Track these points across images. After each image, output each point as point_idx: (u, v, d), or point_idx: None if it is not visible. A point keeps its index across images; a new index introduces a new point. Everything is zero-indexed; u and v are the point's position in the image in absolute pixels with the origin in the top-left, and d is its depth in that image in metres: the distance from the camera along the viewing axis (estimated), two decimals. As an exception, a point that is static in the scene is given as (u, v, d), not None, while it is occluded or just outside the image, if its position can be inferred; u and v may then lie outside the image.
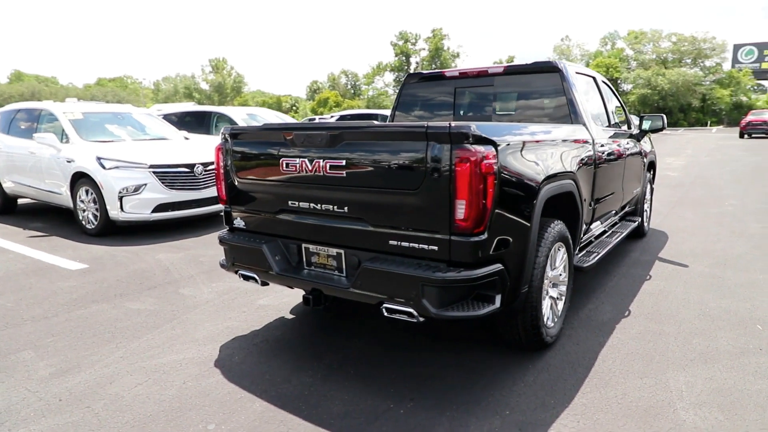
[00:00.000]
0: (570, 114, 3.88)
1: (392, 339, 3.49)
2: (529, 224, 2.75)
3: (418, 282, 2.47)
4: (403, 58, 74.32)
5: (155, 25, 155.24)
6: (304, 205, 2.93)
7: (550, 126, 3.50)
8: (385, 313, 2.64)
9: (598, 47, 60.61)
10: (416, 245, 2.56)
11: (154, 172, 6.55)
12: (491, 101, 4.34)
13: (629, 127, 5.37)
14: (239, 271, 3.26)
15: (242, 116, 9.78)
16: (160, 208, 6.59)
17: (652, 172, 6.36)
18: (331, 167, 2.72)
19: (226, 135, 3.23)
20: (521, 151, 2.73)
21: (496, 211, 2.48)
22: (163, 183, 6.58)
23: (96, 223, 6.62)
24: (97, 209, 6.57)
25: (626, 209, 5.35)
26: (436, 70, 4.61)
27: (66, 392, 2.86)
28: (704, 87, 48.81)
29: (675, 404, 2.63)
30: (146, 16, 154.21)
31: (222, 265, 3.45)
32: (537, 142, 2.94)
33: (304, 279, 2.96)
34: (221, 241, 3.38)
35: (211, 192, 7.03)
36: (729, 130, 40.77)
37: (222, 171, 3.32)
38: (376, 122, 2.86)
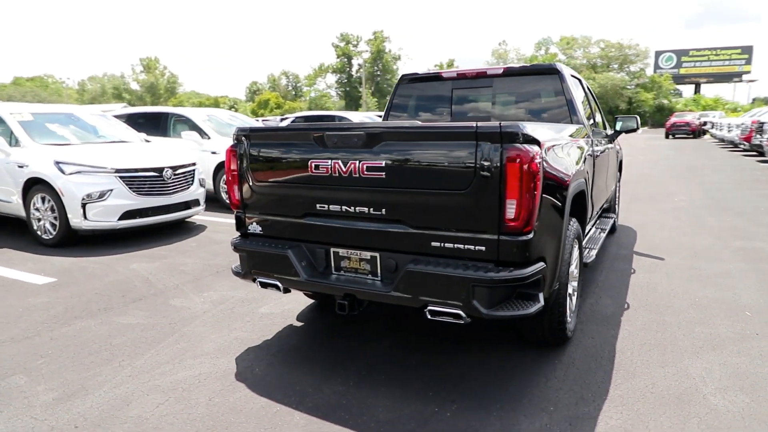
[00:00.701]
0: (570, 115, 4.00)
1: (409, 342, 3.45)
2: (562, 222, 2.80)
3: (468, 283, 2.45)
4: (345, 59, 74.25)
5: (78, 20, 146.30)
6: (334, 208, 2.84)
7: (562, 126, 3.59)
8: (429, 316, 2.60)
9: (533, 52, 63.14)
10: (462, 246, 2.54)
11: (120, 177, 6.15)
12: (490, 102, 4.40)
13: (605, 127, 5.62)
14: (258, 279, 3.11)
15: (203, 117, 9.38)
16: (128, 215, 6.19)
17: (620, 171, 6.70)
18: (369, 168, 2.65)
19: (243, 136, 3.08)
20: (556, 150, 2.77)
21: (541, 209, 2.50)
22: (130, 188, 6.19)
23: (54, 233, 6.13)
24: (55, 218, 6.08)
25: (604, 206, 5.59)
26: (433, 71, 4.62)
27: (80, 418, 2.62)
28: (630, 91, 52.01)
29: (702, 390, 2.76)
30: (67, 10, 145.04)
31: (236, 273, 3.29)
32: (566, 142, 3.01)
33: (336, 285, 2.87)
34: (236, 247, 3.22)
35: (181, 197, 6.71)
36: (654, 131, 43.65)
37: (235, 174, 3.16)
38: (419, 122, 2.81)
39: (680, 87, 55.93)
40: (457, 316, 2.53)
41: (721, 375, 2.92)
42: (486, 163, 2.39)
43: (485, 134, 2.38)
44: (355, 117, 14.91)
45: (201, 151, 8.69)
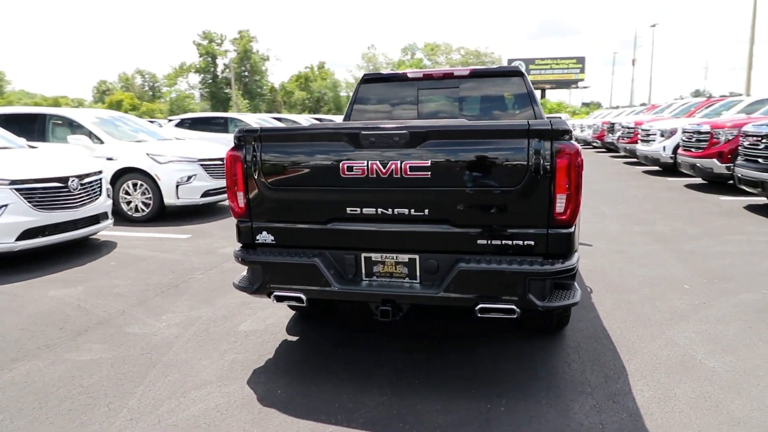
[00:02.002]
0: (534, 114, 4.26)
1: (417, 345, 3.42)
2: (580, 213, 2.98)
3: (525, 277, 2.50)
4: (209, 58, 70.42)
5: None
6: (368, 211, 2.70)
7: None
8: (479, 314, 2.61)
9: (400, 56, 65.83)
10: (510, 242, 2.58)
11: (16, 190, 5.19)
12: (457, 103, 4.51)
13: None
14: (275, 293, 2.85)
15: (91, 120, 8.27)
16: (28, 234, 5.25)
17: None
18: (412, 168, 2.57)
19: (252, 137, 2.79)
20: None
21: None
22: (29, 203, 5.26)
23: (-73, 261, 4.99)
24: (-72, 243, 4.95)
25: None
26: (398, 71, 4.61)
27: (100, 477, 2.18)
28: (489, 94, 56.76)
29: (695, 356, 3.13)
30: None
31: (242, 288, 2.98)
32: None
33: (373, 291, 2.73)
34: (244, 260, 2.91)
35: (89, 210, 5.86)
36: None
37: (240, 179, 2.86)
38: (465, 120, 2.78)
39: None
40: (509, 311, 2.57)
41: (701, 341, 3.33)
42: (538, 160, 2.45)
43: (537, 131, 2.45)
44: (249, 119, 14.26)
45: (94, 158, 7.66)
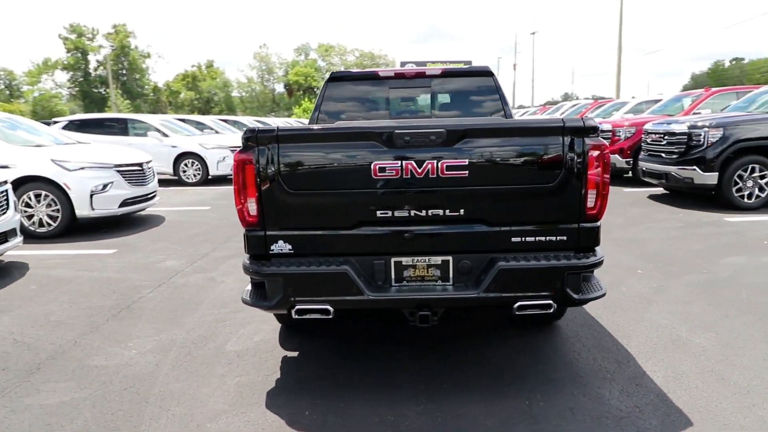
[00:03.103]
0: (504, 112, 4.38)
1: (424, 348, 3.36)
2: None
3: (563, 272, 2.55)
4: (79, 54, 63.85)
5: None
6: (400, 213, 2.58)
7: None
8: (517, 312, 2.61)
9: (294, 57, 64.76)
10: (543, 238, 2.62)
11: None
12: (429, 102, 4.49)
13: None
14: (299, 306, 2.62)
15: (-24, 121, 7.09)
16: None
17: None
18: (449, 167, 2.50)
19: (266, 139, 2.53)
20: None
21: None
22: (-77, 220, 4.36)
23: None
24: None
25: None
26: (369, 70, 4.48)
27: None
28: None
29: (681, 334, 3.41)
30: None
31: (254, 304, 2.72)
32: None
33: (409, 297, 2.62)
34: (258, 273, 2.64)
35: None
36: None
37: (252, 184, 2.59)
38: (501, 118, 2.74)
39: (422, 93, 64.66)
40: (545, 306, 2.60)
41: (677, 320, 3.64)
42: (572, 156, 2.51)
43: (571, 128, 2.50)
44: (152, 120, 13.14)
45: (-16, 166, 6.57)
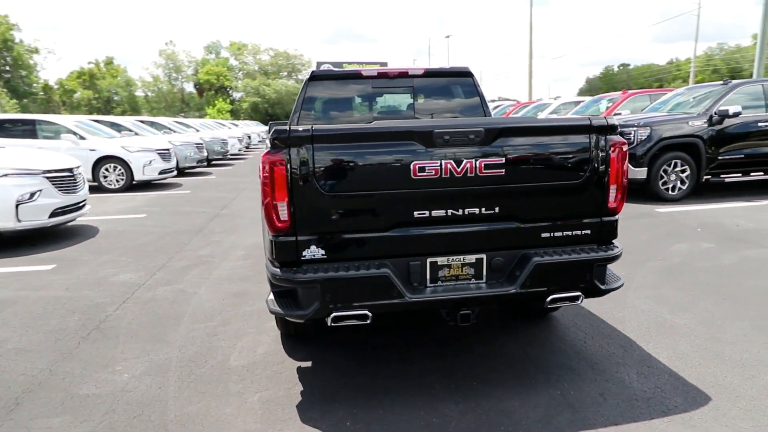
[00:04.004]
0: (484, 112, 4.50)
1: (436, 347, 3.37)
2: None
3: (593, 264, 2.66)
4: (-56, 47, 56.62)
5: None
6: (437, 213, 2.56)
7: None
8: (549, 305, 2.69)
9: (204, 55, 62.01)
10: (570, 233, 2.72)
11: None
12: (411, 101, 4.49)
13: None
14: (335, 314, 2.51)
15: None
16: None
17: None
18: (487, 166, 2.52)
19: (299, 139, 2.41)
20: None
21: None
22: None
23: None
24: None
25: None
26: (352, 70, 4.38)
27: None
28: (302, 96, 57.03)
29: (665, 317, 3.69)
30: None
31: (290, 314, 2.56)
32: None
33: (449, 297, 2.60)
34: (293, 281, 2.50)
35: None
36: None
37: (283, 187, 2.45)
38: (534, 117, 2.78)
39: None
40: (574, 298, 2.70)
41: (656, 304, 3.94)
42: (597, 153, 2.64)
43: (597, 127, 2.62)
44: (65, 121, 11.97)
45: None
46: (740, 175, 8.27)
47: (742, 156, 7.94)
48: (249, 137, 26.43)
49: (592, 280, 2.69)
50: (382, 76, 4.39)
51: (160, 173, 12.08)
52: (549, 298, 2.67)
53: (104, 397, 2.83)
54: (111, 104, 59.71)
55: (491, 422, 2.51)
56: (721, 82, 8.51)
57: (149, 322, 3.88)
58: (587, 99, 12.53)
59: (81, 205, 7.18)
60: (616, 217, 2.79)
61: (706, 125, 7.83)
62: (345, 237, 2.56)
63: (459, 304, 2.65)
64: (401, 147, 2.49)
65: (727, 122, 7.79)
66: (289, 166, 2.44)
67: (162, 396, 2.83)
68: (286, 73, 59.71)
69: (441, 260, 2.65)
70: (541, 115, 13.53)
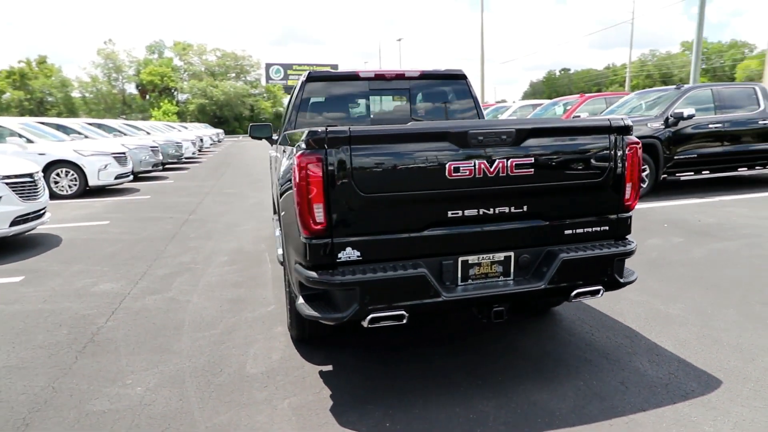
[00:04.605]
0: (478, 114, 4.59)
1: (452, 346, 3.41)
2: None
3: (614, 258, 2.79)
4: None
5: None
6: (470, 212, 2.61)
7: None
8: (572, 300, 2.79)
9: (147, 55, 59.63)
10: (590, 229, 2.83)
11: None
12: (407, 103, 4.51)
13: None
14: (373, 315, 2.50)
15: None
16: None
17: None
18: (518, 166, 2.59)
19: (337, 140, 2.39)
20: None
21: None
22: None
23: None
24: None
25: None
26: (349, 71, 4.34)
27: None
28: (251, 99, 55.91)
29: (659, 308, 3.90)
30: None
31: (326, 317, 2.52)
32: None
33: (484, 294, 2.65)
34: (332, 284, 2.47)
35: None
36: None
37: (320, 189, 2.42)
38: (559, 118, 2.85)
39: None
40: (595, 292, 2.82)
41: (647, 296, 4.15)
42: (616, 153, 2.77)
43: (616, 128, 2.75)
44: (10, 123, 11.19)
45: None
46: (693, 173, 8.81)
47: (695, 156, 8.48)
48: (201, 140, 25.66)
49: (613, 273, 2.82)
50: (378, 77, 4.40)
51: (116, 178, 11.53)
52: (573, 293, 2.77)
53: (122, 413, 2.69)
54: (45, 106, 56.33)
55: (527, 415, 2.57)
56: (674, 86, 9.06)
57: (147, 333, 3.71)
58: (546, 102, 13.02)
59: (42, 212, 6.76)
60: (630, 213, 2.93)
61: (663, 127, 8.31)
62: (380, 238, 2.56)
63: (492, 301, 2.70)
64: (437, 147, 2.52)
65: (682, 124, 8.30)
66: (326, 168, 2.42)
67: (185, 408, 2.72)
68: (234, 75, 58.36)
69: (472, 259, 2.70)
70: (502, 117, 13.91)
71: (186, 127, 30.27)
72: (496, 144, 2.56)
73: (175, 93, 58.25)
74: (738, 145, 8.62)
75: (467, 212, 2.61)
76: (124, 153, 11.95)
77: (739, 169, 9.04)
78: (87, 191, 11.06)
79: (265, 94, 57.61)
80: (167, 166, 17.50)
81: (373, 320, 2.52)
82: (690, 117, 8.13)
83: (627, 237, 2.95)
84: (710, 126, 8.45)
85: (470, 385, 2.88)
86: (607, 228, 2.87)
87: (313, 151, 2.41)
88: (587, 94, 11.81)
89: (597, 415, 2.56)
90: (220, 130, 40.99)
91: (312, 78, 4.31)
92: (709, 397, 2.67)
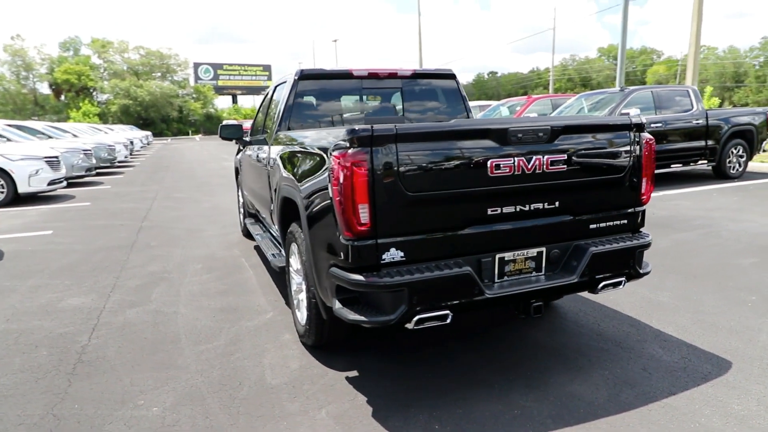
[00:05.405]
0: (467, 113, 4.64)
1: (468, 343, 3.43)
2: None
3: (635, 250, 2.90)
4: None
5: None
6: (508, 209, 2.62)
7: None
8: (598, 292, 2.88)
9: (61, 52, 55.52)
10: (611, 223, 2.94)
11: None
12: (400, 101, 4.47)
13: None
14: (419, 316, 2.45)
15: None
16: None
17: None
18: (552, 162, 2.64)
19: (387, 137, 2.32)
20: None
21: None
22: None
23: None
24: None
25: None
26: (342, 69, 4.22)
27: None
28: (180, 99, 53.49)
29: (650, 297, 4.11)
30: None
31: (373, 321, 2.44)
32: None
33: (523, 290, 2.66)
34: (379, 286, 2.39)
35: None
36: (209, 138, 46.79)
37: (364, 189, 2.34)
38: (587, 115, 2.89)
39: (221, 97, 61.52)
40: (618, 284, 2.92)
41: (635, 285, 4.33)
42: (635, 149, 2.89)
43: (635, 125, 2.87)
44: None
45: None
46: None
47: (640, 153, 9.04)
48: (131, 143, 24.21)
49: (635, 265, 2.94)
50: (372, 76, 4.33)
51: (49, 184, 10.61)
52: (600, 285, 2.86)
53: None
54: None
55: (568, 406, 2.62)
56: (618, 88, 9.63)
57: (142, 349, 3.44)
58: (493, 103, 13.44)
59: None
60: (645, 207, 3.07)
61: (612, 126, 8.79)
62: (422, 238, 2.51)
63: (530, 296, 2.73)
64: (478, 145, 2.51)
65: (628, 124, 8.82)
66: (371, 167, 2.34)
67: (217, 425, 2.53)
68: (160, 74, 55.52)
69: (508, 255, 2.72)
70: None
71: (112, 129, 28.47)
72: (533, 141, 2.60)
73: (95, 93, 54.62)
74: (676, 142, 9.30)
75: (505, 209, 2.63)
76: (56, 157, 11.03)
77: (673, 166, 9.76)
78: (16, 199, 10.11)
79: (194, 95, 55.32)
80: (99, 170, 16.35)
81: (419, 321, 2.47)
82: (636, 117, 8.65)
83: (641, 230, 3.09)
84: (652, 125, 9.05)
85: (501, 380, 2.90)
86: (625, 221, 2.98)
87: (359, 150, 2.33)
88: (534, 96, 12.33)
89: (633, 401, 2.65)
90: (149, 133, 38.86)
91: (305, 76, 4.17)
92: (727, 378, 2.84)
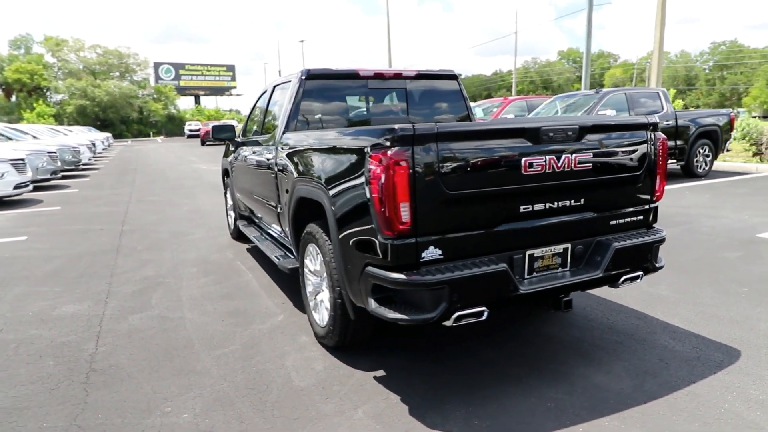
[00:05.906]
0: (469, 113, 4.71)
1: (487, 340, 3.48)
2: None
3: (653, 245, 3.02)
4: None
5: None
6: (538, 207, 2.68)
7: None
8: (620, 286, 2.98)
9: (11, 51, 53.03)
10: (629, 219, 3.05)
11: None
12: (404, 102, 4.48)
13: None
14: (459, 313, 2.48)
15: None
16: None
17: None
18: (579, 161, 2.72)
19: (429, 136, 2.34)
20: None
21: None
22: None
23: None
24: None
25: None
26: (349, 69, 4.20)
27: None
28: (140, 100, 51.92)
29: (649, 290, 4.27)
30: None
31: (415, 320, 2.45)
32: None
33: (554, 285, 2.73)
34: (419, 283, 2.40)
35: None
36: (172, 140, 45.68)
37: (405, 188, 2.36)
38: (609, 114, 2.97)
39: (183, 98, 60.06)
40: (635, 278, 3.03)
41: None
42: (651, 148, 3.00)
43: (651, 124, 2.99)
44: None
45: None
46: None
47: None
48: (94, 144, 23.35)
49: (652, 259, 3.05)
50: (377, 76, 4.33)
51: (15, 188, 10.15)
52: (621, 279, 2.95)
53: (183, 445, 2.40)
54: None
55: (597, 397, 2.70)
56: (593, 91, 9.95)
57: (156, 356, 3.34)
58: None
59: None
60: (658, 203, 3.19)
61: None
62: (459, 235, 2.54)
63: (559, 292, 2.80)
64: (513, 144, 2.57)
65: (605, 125, 9.12)
66: (412, 166, 2.36)
67: (254, 430, 2.49)
68: (118, 74, 53.73)
69: (537, 252, 2.78)
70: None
71: (71, 131, 27.36)
72: (563, 140, 2.67)
73: (48, 93, 52.42)
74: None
75: (536, 206, 2.69)
76: (23, 159, 10.55)
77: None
78: (-21, 204, 9.62)
79: (155, 95, 53.78)
80: (64, 173, 15.70)
81: (458, 318, 2.50)
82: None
83: (654, 225, 3.21)
84: (627, 126, 9.37)
85: (528, 374, 2.95)
86: (641, 217, 3.10)
87: (400, 149, 2.34)
88: (510, 97, 12.60)
89: (658, 391, 2.75)
90: (109, 134, 37.55)
91: (313, 76, 4.13)
92: (739, 365, 2.99)
